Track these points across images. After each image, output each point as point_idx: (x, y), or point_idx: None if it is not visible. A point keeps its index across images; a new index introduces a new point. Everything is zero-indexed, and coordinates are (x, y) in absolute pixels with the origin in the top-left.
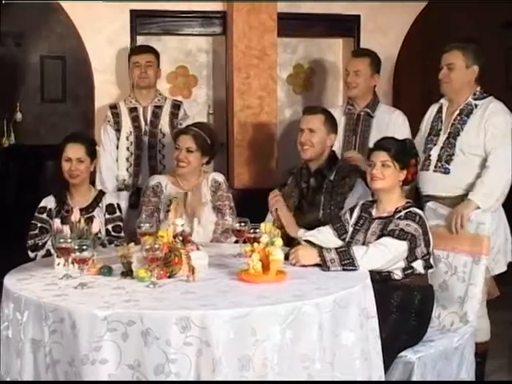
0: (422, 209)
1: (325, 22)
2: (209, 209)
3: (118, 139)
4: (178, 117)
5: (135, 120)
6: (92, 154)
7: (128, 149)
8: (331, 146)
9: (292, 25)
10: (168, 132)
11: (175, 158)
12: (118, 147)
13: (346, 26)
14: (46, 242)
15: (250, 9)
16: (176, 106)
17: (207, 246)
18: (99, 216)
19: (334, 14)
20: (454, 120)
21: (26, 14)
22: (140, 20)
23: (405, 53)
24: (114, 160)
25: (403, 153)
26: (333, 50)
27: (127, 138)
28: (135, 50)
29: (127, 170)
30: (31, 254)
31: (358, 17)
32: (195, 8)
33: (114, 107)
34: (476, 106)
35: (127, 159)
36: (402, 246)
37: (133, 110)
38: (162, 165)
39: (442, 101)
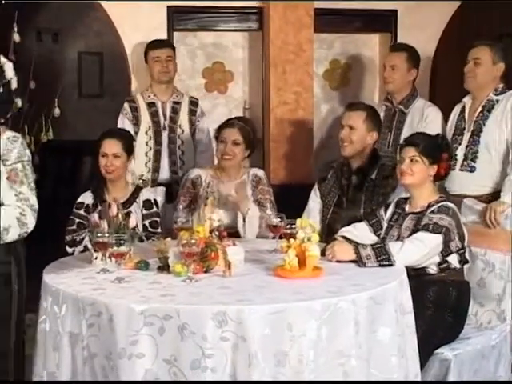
0: None
1: (362, 17)
2: (253, 204)
3: (136, 133)
4: (196, 114)
5: (154, 115)
6: (129, 149)
7: (147, 143)
8: (373, 144)
9: (329, 20)
10: (187, 128)
11: (220, 151)
12: (135, 141)
13: (383, 22)
14: (83, 238)
15: (287, 4)
16: (194, 103)
17: (243, 241)
18: (136, 211)
19: (371, 10)
20: (477, 117)
21: (63, 11)
22: (177, 16)
23: (442, 48)
24: None
25: (433, 148)
26: (369, 45)
27: (146, 133)
28: (154, 44)
29: (145, 164)
30: (69, 250)
31: (395, 12)
32: (232, 4)
33: (131, 100)
34: (497, 101)
35: (146, 154)
36: (436, 240)
37: (151, 105)
38: (181, 160)
39: (465, 99)
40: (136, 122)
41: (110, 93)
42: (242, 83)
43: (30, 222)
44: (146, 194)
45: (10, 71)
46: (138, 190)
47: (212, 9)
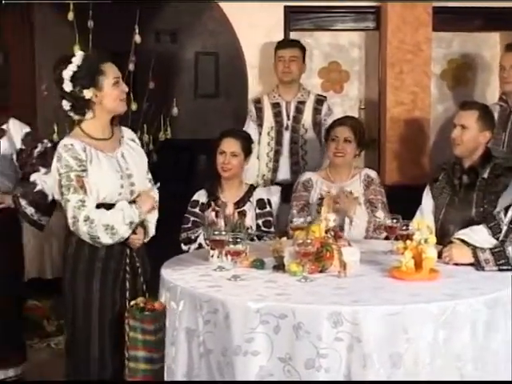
0: None
1: (482, 15)
2: (361, 206)
3: (260, 134)
4: (322, 113)
5: (277, 115)
6: (247, 150)
7: (269, 144)
8: (486, 143)
9: (447, 19)
10: (310, 128)
11: (332, 148)
12: (259, 142)
13: (504, 20)
14: (198, 236)
15: (405, 3)
16: (320, 102)
17: (359, 242)
18: (250, 211)
19: (492, 7)
20: None
21: (180, 11)
22: (293, 16)
23: None
24: (253, 156)
25: None
26: (489, 44)
27: (268, 134)
28: (281, 43)
29: (266, 165)
30: (184, 247)
31: None
32: (349, 3)
33: (257, 101)
34: None
35: (267, 154)
36: None
37: (276, 105)
38: (304, 160)
39: None
40: (260, 122)
41: (225, 93)
42: (358, 83)
43: None
44: (260, 193)
45: None
46: (251, 189)
47: (329, 8)
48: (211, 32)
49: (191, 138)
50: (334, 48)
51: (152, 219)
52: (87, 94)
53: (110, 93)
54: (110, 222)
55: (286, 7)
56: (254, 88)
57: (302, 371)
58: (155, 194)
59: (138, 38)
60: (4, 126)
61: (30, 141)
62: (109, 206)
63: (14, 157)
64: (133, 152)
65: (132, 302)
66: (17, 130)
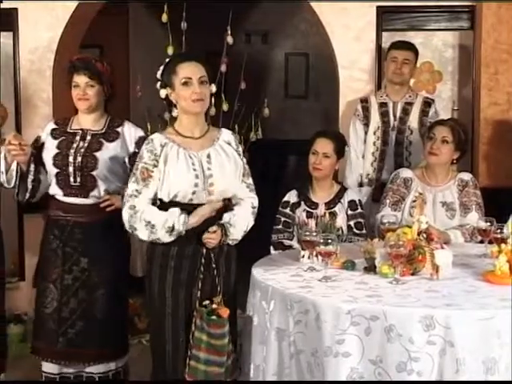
0: None
1: None
2: (442, 210)
3: (366, 133)
4: (428, 115)
5: (384, 115)
6: (340, 152)
7: (374, 143)
8: None
9: None
10: (416, 129)
11: (427, 147)
12: (365, 141)
13: None
14: (291, 246)
15: (501, 3)
16: (427, 104)
17: (451, 244)
18: (341, 212)
19: None
20: None
21: (272, 12)
22: (386, 16)
23: None
24: (357, 156)
25: None
26: None
27: (374, 133)
28: (396, 44)
29: (371, 164)
30: (273, 252)
31: None
32: (443, 3)
33: (364, 101)
34: None
35: (373, 154)
36: None
37: (383, 105)
38: (407, 162)
39: None
40: (366, 122)
41: (315, 93)
42: (451, 83)
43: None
44: (351, 194)
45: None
46: (342, 190)
47: (422, 8)
48: (302, 32)
49: (281, 138)
50: (426, 48)
51: (237, 223)
52: (163, 93)
53: (180, 93)
54: (152, 220)
55: (378, 7)
56: (346, 89)
57: (394, 374)
58: (252, 201)
59: (230, 39)
60: (119, 129)
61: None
62: (182, 206)
63: (127, 160)
64: (222, 154)
65: (205, 302)
66: (131, 133)
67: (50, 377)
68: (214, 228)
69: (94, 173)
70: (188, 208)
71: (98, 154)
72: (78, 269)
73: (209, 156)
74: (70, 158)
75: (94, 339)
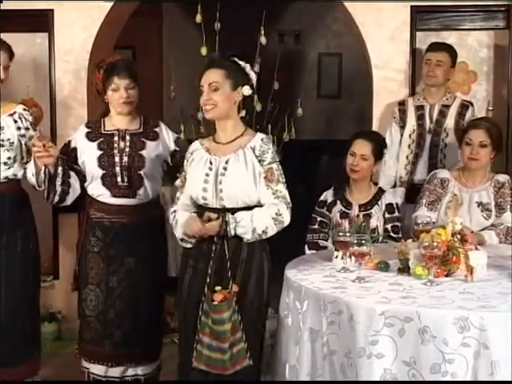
0: None
1: None
2: (478, 211)
3: (402, 135)
4: (465, 118)
5: (420, 118)
6: (378, 154)
7: (409, 146)
8: None
9: None
10: (452, 132)
11: (467, 153)
12: (400, 144)
13: None
14: (326, 247)
15: None
16: (464, 107)
17: (486, 246)
18: (377, 214)
19: None
20: None
21: (304, 12)
22: (420, 16)
23: None
24: (392, 158)
25: None
26: None
27: (410, 136)
28: (431, 46)
29: (405, 167)
30: (307, 252)
31: None
32: (478, 2)
33: (401, 104)
34: None
35: (407, 157)
36: None
37: (419, 108)
38: (442, 164)
39: None
40: (402, 124)
41: (348, 93)
42: (486, 84)
43: (286, 218)
44: (389, 197)
45: (252, 74)
46: (380, 192)
47: (457, 8)
48: (335, 32)
49: (313, 138)
50: (461, 48)
51: (245, 221)
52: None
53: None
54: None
55: (412, 7)
56: (379, 89)
57: (427, 375)
58: (279, 207)
59: (263, 40)
60: (157, 129)
61: (184, 142)
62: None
63: (169, 159)
64: (241, 160)
65: (217, 288)
66: (168, 132)
67: (97, 378)
68: (214, 217)
69: (141, 172)
70: (205, 211)
71: (143, 153)
72: (123, 270)
73: (227, 162)
74: (116, 159)
75: (139, 340)
